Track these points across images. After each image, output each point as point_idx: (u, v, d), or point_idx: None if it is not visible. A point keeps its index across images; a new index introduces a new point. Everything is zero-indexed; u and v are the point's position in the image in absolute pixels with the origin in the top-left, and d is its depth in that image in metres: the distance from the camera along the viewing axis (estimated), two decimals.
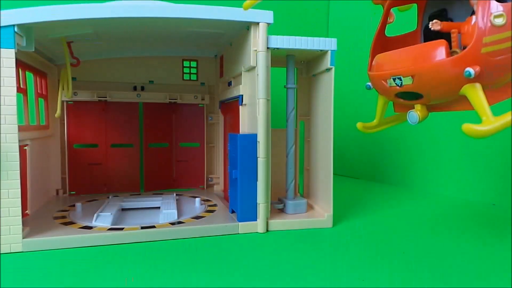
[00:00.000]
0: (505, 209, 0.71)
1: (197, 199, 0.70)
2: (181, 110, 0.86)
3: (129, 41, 0.72)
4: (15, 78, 0.47)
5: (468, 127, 0.32)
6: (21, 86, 0.58)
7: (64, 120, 0.78)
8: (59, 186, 0.79)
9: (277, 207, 0.64)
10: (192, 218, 0.60)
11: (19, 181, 0.48)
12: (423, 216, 0.67)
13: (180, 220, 0.58)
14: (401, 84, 0.36)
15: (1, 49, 0.46)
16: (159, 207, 0.66)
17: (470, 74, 0.31)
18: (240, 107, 0.62)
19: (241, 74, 0.61)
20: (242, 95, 0.61)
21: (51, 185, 0.77)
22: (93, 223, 0.56)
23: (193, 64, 0.85)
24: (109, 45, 0.74)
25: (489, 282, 0.40)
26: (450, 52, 0.33)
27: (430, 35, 0.44)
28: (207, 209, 0.66)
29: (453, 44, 0.37)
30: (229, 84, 0.71)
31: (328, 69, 0.60)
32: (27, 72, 0.62)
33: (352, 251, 0.49)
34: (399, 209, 0.72)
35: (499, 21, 0.31)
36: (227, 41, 0.70)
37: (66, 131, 0.78)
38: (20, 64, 0.57)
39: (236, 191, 0.59)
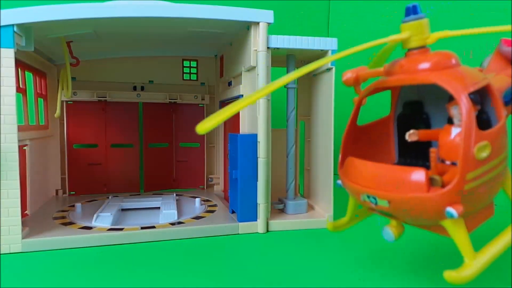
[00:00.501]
0: (505, 209, 0.71)
1: (197, 199, 0.69)
2: (181, 110, 0.86)
3: (129, 41, 0.72)
4: (14, 78, 0.47)
5: (450, 275, 0.29)
6: (21, 86, 0.58)
7: (63, 120, 0.78)
8: (59, 186, 0.78)
9: (277, 207, 0.64)
10: (192, 218, 0.60)
11: (18, 181, 0.48)
12: None
13: (180, 220, 0.58)
14: (376, 204, 0.31)
15: (1, 48, 0.46)
16: (159, 207, 0.66)
17: (452, 215, 0.28)
18: None
19: (241, 74, 0.61)
20: (242, 95, 0.61)
21: (50, 185, 0.77)
22: (93, 224, 0.56)
23: (193, 64, 0.85)
24: (109, 45, 0.74)
25: (489, 282, 0.40)
26: (429, 179, 0.29)
27: (404, 124, 0.40)
28: (207, 209, 0.66)
29: (431, 164, 0.32)
30: (229, 84, 0.71)
31: (329, 69, 0.60)
32: (26, 72, 0.62)
33: (352, 251, 0.48)
34: None
35: (484, 155, 0.28)
36: (227, 41, 0.69)
37: (65, 131, 0.78)
38: (20, 64, 0.57)
39: (236, 191, 0.59)
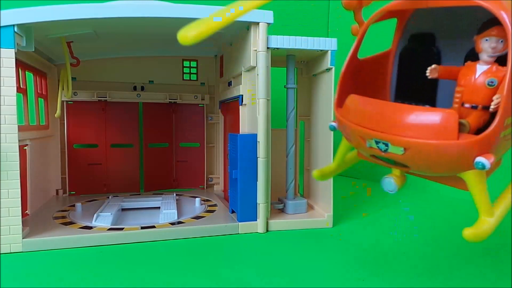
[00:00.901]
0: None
1: (197, 199, 0.69)
2: (181, 110, 0.86)
3: (129, 41, 0.72)
4: (15, 78, 0.47)
5: (468, 233, 0.27)
6: (21, 86, 0.58)
7: (64, 120, 0.78)
8: (59, 186, 0.79)
9: (277, 207, 0.64)
10: (192, 218, 0.60)
11: (19, 181, 0.48)
12: (423, 215, 0.67)
13: (180, 220, 0.58)
14: (386, 151, 0.27)
15: (1, 49, 0.46)
16: (159, 207, 0.66)
17: (484, 166, 0.24)
18: (240, 107, 0.62)
19: (241, 74, 0.61)
20: (242, 95, 0.61)
21: (51, 185, 0.77)
22: (93, 223, 0.56)
23: (193, 64, 0.85)
24: (109, 45, 0.74)
25: (489, 282, 0.40)
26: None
27: (408, 60, 0.36)
28: (207, 209, 0.66)
29: (454, 107, 0.29)
30: (229, 84, 0.71)
31: (328, 69, 0.60)
32: (27, 72, 0.62)
33: (352, 251, 0.48)
34: (399, 209, 0.72)
35: None
36: (227, 41, 0.70)
37: (66, 131, 0.78)
38: (20, 64, 0.57)
39: (236, 191, 0.59)
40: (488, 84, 0.26)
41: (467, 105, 0.28)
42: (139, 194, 0.79)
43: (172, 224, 0.56)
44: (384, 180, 0.33)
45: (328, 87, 0.60)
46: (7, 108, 0.47)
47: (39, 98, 0.69)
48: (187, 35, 0.21)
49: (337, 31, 1.21)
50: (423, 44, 0.35)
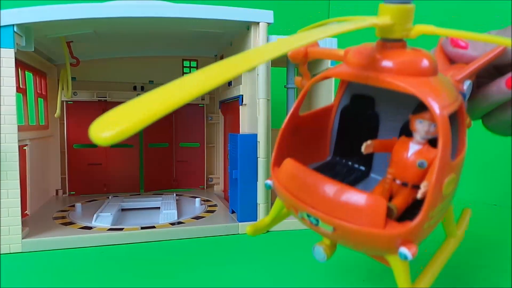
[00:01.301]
0: (506, 210, 0.71)
1: (197, 199, 0.69)
2: (181, 110, 0.86)
3: (129, 41, 0.72)
4: (14, 78, 0.47)
5: None
6: (21, 86, 0.58)
7: (63, 120, 0.78)
8: (59, 186, 0.78)
9: None
10: (192, 218, 0.60)
11: (18, 181, 0.48)
12: None
13: (180, 220, 0.58)
14: (317, 225, 0.26)
15: (1, 49, 0.46)
16: (159, 207, 0.66)
17: (406, 257, 0.24)
18: (240, 107, 0.62)
19: (241, 74, 0.61)
20: (242, 95, 0.61)
21: (50, 185, 0.77)
22: (93, 223, 0.56)
23: (193, 64, 0.85)
24: (109, 45, 0.74)
25: (490, 282, 0.40)
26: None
27: (348, 119, 0.35)
28: (207, 209, 0.66)
29: (384, 186, 0.28)
30: (229, 84, 0.71)
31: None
32: (26, 72, 0.62)
33: (352, 251, 0.48)
34: None
35: (450, 189, 0.25)
36: (227, 41, 0.69)
37: (65, 131, 0.78)
38: (20, 64, 0.57)
39: (236, 191, 0.59)
40: (419, 166, 0.26)
41: (398, 182, 0.28)
42: (139, 194, 0.79)
43: (172, 224, 0.56)
44: (314, 249, 0.33)
45: (328, 87, 0.60)
46: (6, 108, 0.47)
47: (39, 98, 0.69)
48: (100, 136, 0.14)
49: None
50: (363, 106, 0.34)
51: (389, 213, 0.25)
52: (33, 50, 0.52)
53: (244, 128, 0.62)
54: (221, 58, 0.78)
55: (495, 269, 0.43)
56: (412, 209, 0.26)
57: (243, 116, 0.62)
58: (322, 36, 0.23)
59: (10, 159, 0.47)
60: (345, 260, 0.45)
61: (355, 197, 0.24)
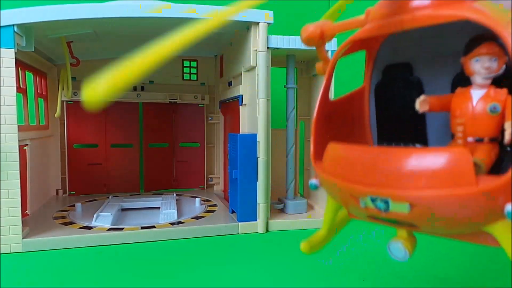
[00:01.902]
0: None
1: (197, 199, 0.69)
2: (181, 110, 0.86)
3: (129, 41, 0.72)
4: (14, 78, 0.47)
5: None
6: (21, 86, 0.58)
7: (64, 120, 0.78)
8: (59, 186, 0.78)
9: (277, 207, 0.64)
10: (192, 218, 0.60)
11: (18, 181, 0.48)
12: None
13: (180, 220, 0.58)
14: (387, 209, 0.21)
15: (1, 49, 0.46)
16: (159, 207, 0.66)
17: None
18: (240, 107, 0.62)
19: (241, 74, 0.61)
20: (242, 95, 0.61)
21: (51, 185, 0.77)
22: (93, 223, 0.56)
23: (193, 64, 0.85)
24: (109, 45, 0.74)
25: (490, 282, 0.40)
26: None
27: (385, 95, 0.31)
28: (207, 209, 0.66)
29: (457, 141, 0.23)
30: (229, 84, 0.71)
31: None
32: (27, 72, 0.62)
33: (352, 251, 0.48)
34: None
35: None
36: (227, 41, 0.69)
37: (66, 131, 0.78)
38: (20, 64, 0.57)
39: (236, 191, 0.59)
40: (491, 111, 0.22)
41: (470, 139, 0.23)
42: (139, 194, 0.79)
43: (172, 224, 0.56)
44: (391, 246, 0.27)
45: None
46: (7, 108, 0.47)
47: (39, 98, 0.69)
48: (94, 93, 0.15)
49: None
50: (399, 76, 0.30)
51: (476, 170, 0.20)
52: (33, 50, 0.52)
53: (244, 128, 0.62)
54: (221, 58, 0.78)
55: (495, 269, 0.43)
56: (498, 168, 0.21)
57: (243, 116, 0.62)
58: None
59: (10, 159, 0.47)
60: (345, 260, 0.45)
61: (430, 156, 0.19)
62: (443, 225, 0.21)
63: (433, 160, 0.19)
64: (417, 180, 0.19)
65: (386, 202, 0.21)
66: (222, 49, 0.76)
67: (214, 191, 0.84)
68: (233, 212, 0.62)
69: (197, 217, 0.60)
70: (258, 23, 0.55)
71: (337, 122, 0.29)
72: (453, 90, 0.26)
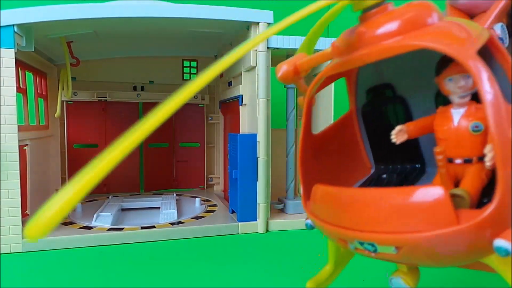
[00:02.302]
0: None
1: (197, 199, 0.69)
2: (181, 110, 0.85)
3: (129, 41, 0.72)
4: (14, 78, 0.47)
5: None
6: (21, 86, 0.58)
7: (64, 120, 0.78)
8: (59, 186, 0.78)
9: (277, 207, 0.64)
10: (192, 218, 0.60)
11: (18, 181, 0.48)
12: None
13: (180, 220, 0.58)
14: (376, 251, 0.20)
15: (1, 49, 0.46)
16: (159, 207, 0.66)
17: (508, 253, 0.17)
18: (240, 107, 0.62)
19: (241, 74, 0.61)
20: (242, 95, 0.61)
21: (51, 185, 0.77)
22: (93, 223, 0.56)
23: (193, 64, 0.85)
24: (109, 45, 0.74)
25: (489, 282, 0.40)
26: (451, 199, 0.18)
27: (372, 118, 0.30)
28: (207, 209, 0.66)
29: (440, 171, 0.22)
30: (229, 84, 0.71)
31: None
32: (27, 72, 0.62)
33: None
34: None
35: None
36: (227, 41, 0.69)
37: (66, 131, 0.78)
38: (20, 64, 0.57)
39: (236, 191, 0.59)
40: (473, 130, 0.21)
41: (458, 161, 0.22)
42: (139, 194, 0.79)
43: (172, 224, 0.56)
44: (392, 281, 0.26)
45: (328, 87, 0.60)
46: (7, 108, 0.47)
47: (39, 98, 0.69)
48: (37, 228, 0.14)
49: (337, 31, 1.21)
50: (383, 96, 0.29)
51: (460, 202, 0.19)
52: (33, 50, 0.52)
53: (244, 128, 0.62)
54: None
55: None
56: (493, 189, 0.20)
57: (243, 116, 0.62)
58: (262, 38, 0.20)
59: (10, 159, 0.47)
60: None
61: (405, 196, 0.19)
62: (434, 262, 0.21)
63: (410, 202, 0.19)
64: (398, 224, 0.19)
65: (373, 245, 0.20)
66: (222, 49, 0.76)
67: (214, 191, 0.84)
68: (233, 212, 0.62)
69: (197, 217, 0.60)
70: (258, 23, 0.55)
71: (328, 153, 0.28)
72: (437, 102, 0.26)
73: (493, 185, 0.19)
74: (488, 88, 0.17)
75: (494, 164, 0.18)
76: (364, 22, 0.22)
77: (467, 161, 0.22)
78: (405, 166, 0.29)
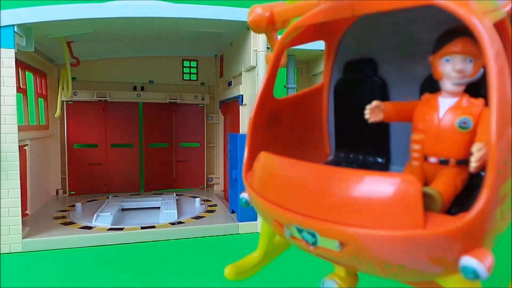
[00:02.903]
0: None
1: (197, 199, 0.69)
2: (181, 110, 0.86)
3: (129, 41, 0.72)
4: (14, 78, 0.47)
5: None
6: (21, 86, 0.58)
7: (64, 120, 0.78)
8: (59, 186, 0.78)
9: None
10: (192, 218, 0.60)
11: (19, 181, 0.48)
12: None
13: (180, 220, 0.58)
14: (315, 244, 0.17)
15: (1, 49, 0.46)
16: (159, 207, 0.66)
17: (477, 276, 0.15)
18: (240, 107, 0.62)
19: (241, 74, 0.61)
20: (242, 95, 0.61)
21: (51, 185, 0.77)
22: (93, 223, 0.56)
23: (193, 64, 0.85)
24: (109, 45, 0.74)
25: (489, 282, 0.40)
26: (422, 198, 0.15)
27: (345, 97, 0.26)
28: (207, 209, 0.66)
29: (414, 164, 0.19)
30: (229, 84, 0.71)
31: None
32: (27, 72, 0.62)
33: None
34: None
35: None
36: (227, 41, 0.70)
37: (66, 131, 0.78)
38: (20, 64, 0.57)
39: (236, 191, 0.59)
40: (460, 127, 0.18)
41: (432, 160, 0.19)
42: (139, 194, 0.79)
43: (172, 224, 0.56)
44: (324, 283, 0.23)
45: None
46: (7, 108, 0.47)
47: (39, 98, 0.69)
48: None
49: None
50: (362, 74, 0.25)
51: (429, 204, 0.16)
52: (33, 50, 0.52)
53: (244, 128, 0.62)
54: (221, 58, 0.78)
55: (495, 268, 0.43)
56: (465, 201, 0.17)
57: (243, 116, 0.62)
58: None
59: (10, 159, 0.47)
60: None
61: (364, 180, 0.15)
62: (382, 271, 0.17)
63: (371, 190, 0.15)
64: (350, 214, 0.15)
65: (314, 235, 0.17)
66: (222, 49, 0.76)
67: (214, 191, 0.84)
68: (233, 212, 0.62)
69: (197, 217, 0.60)
70: None
71: (286, 125, 0.24)
72: (422, 93, 0.21)
73: (466, 196, 0.16)
74: (495, 70, 0.14)
75: (479, 167, 0.15)
76: None
77: (443, 162, 0.18)
78: (368, 158, 0.25)
